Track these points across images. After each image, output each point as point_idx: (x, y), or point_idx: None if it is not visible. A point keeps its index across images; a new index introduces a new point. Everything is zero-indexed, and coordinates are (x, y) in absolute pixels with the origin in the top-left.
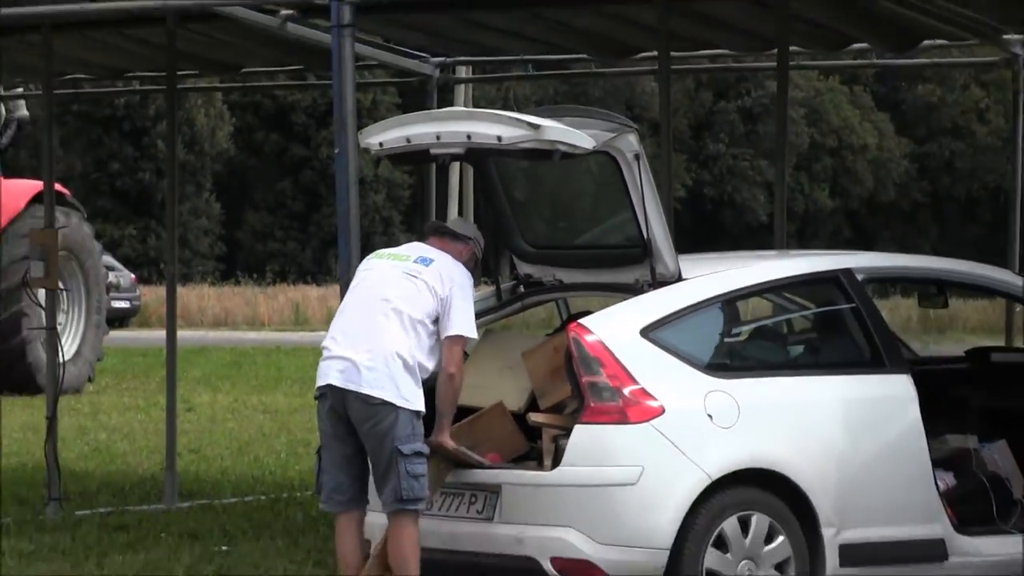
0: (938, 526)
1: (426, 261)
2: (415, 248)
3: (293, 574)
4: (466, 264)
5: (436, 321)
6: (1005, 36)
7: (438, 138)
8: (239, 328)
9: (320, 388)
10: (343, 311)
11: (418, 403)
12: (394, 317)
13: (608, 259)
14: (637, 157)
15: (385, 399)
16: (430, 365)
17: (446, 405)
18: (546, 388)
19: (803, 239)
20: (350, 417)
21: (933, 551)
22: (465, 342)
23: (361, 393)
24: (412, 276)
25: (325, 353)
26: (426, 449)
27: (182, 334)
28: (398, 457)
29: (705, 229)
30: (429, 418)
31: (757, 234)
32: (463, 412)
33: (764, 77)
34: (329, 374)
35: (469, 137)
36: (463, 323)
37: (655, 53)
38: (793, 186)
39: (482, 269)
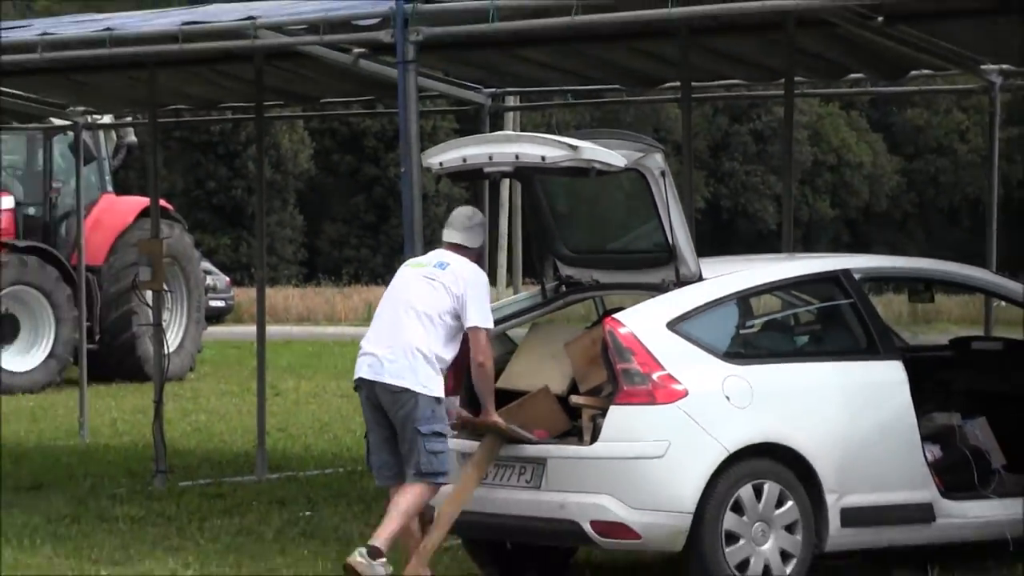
0: (927, 492)
1: (443, 265)
2: (435, 255)
3: (367, 535)
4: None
5: (456, 317)
6: (982, 66)
7: (490, 158)
8: (319, 323)
9: (355, 381)
10: (376, 315)
11: (436, 390)
12: (413, 315)
13: (638, 262)
14: (663, 174)
15: (405, 387)
16: (448, 356)
17: (483, 390)
18: (585, 374)
19: (808, 244)
20: (381, 404)
21: (922, 513)
22: (487, 332)
23: (385, 383)
24: (430, 279)
25: (360, 351)
26: (446, 430)
27: (270, 329)
28: (418, 437)
29: (722, 236)
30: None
31: (767, 240)
32: (514, 395)
33: (773, 104)
34: (361, 368)
35: (517, 157)
36: (479, 316)
37: (678, 83)
38: (798, 198)
39: (533, 268)
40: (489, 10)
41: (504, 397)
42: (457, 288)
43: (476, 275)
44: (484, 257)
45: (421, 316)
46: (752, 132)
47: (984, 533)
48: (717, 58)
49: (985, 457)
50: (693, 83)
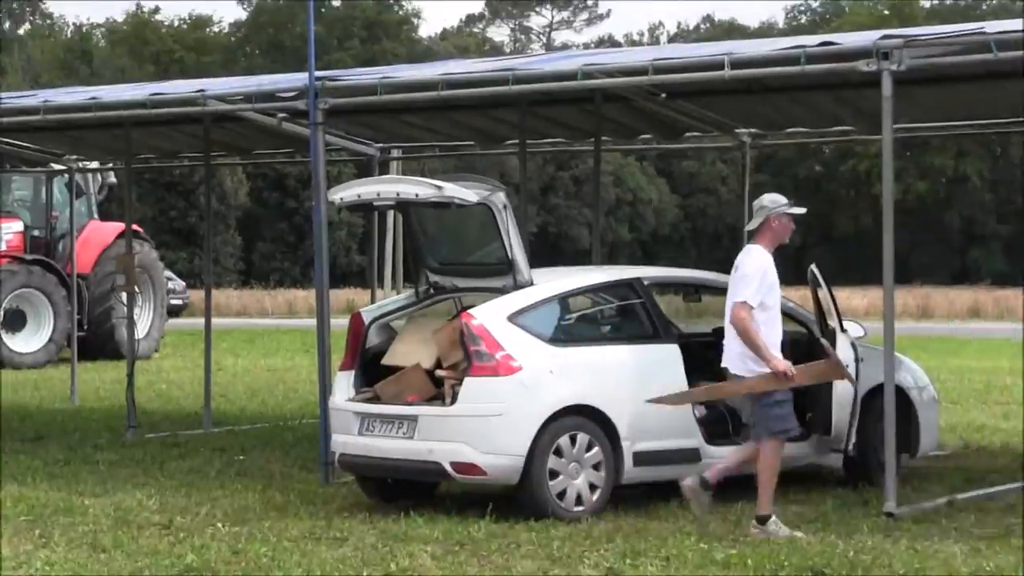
0: (695, 439)
1: (737, 267)
2: None
3: (285, 474)
4: (776, 232)
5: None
6: (737, 130)
7: (378, 195)
8: (252, 316)
9: None
10: None
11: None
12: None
13: (486, 272)
14: (505, 207)
15: (732, 371)
16: (769, 338)
17: (751, 345)
18: (448, 354)
19: (611, 259)
20: None
21: (692, 455)
22: (740, 304)
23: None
24: (732, 284)
25: None
26: (780, 397)
27: (215, 321)
28: (757, 407)
29: (549, 254)
30: None
31: (582, 257)
32: (395, 370)
33: (586, 156)
34: None
35: (398, 194)
36: (736, 293)
37: (517, 141)
38: (605, 225)
39: (411, 276)
40: (377, 86)
41: (387, 371)
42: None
43: (747, 262)
44: (775, 230)
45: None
46: (572, 177)
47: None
48: (546, 122)
49: (737, 413)
50: (528, 140)
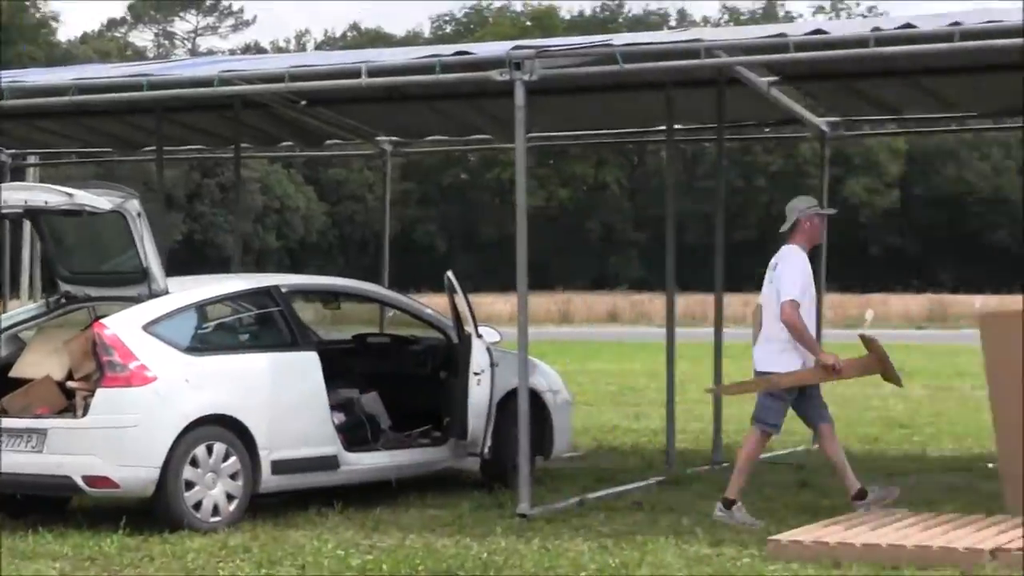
0: (333, 447)
1: (774, 266)
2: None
3: None
4: (809, 234)
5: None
6: (378, 138)
7: (4, 202)
8: None
9: None
10: None
11: (769, 366)
12: (763, 315)
13: (121, 280)
14: (139, 214)
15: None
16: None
17: (800, 341)
18: (80, 364)
19: (259, 267)
20: None
21: (330, 463)
22: (788, 302)
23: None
24: (768, 282)
25: None
26: (777, 395)
27: None
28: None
29: (195, 261)
30: None
31: (227, 265)
32: (24, 382)
33: (232, 163)
34: None
35: (26, 202)
36: (784, 292)
37: (154, 147)
38: (252, 233)
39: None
40: (3, 91)
41: (15, 384)
42: (776, 277)
43: (783, 261)
44: (807, 231)
45: (766, 313)
46: (218, 184)
47: (375, 476)
48: (185, 129)
49: (376, 420)
50: (167, 147)
